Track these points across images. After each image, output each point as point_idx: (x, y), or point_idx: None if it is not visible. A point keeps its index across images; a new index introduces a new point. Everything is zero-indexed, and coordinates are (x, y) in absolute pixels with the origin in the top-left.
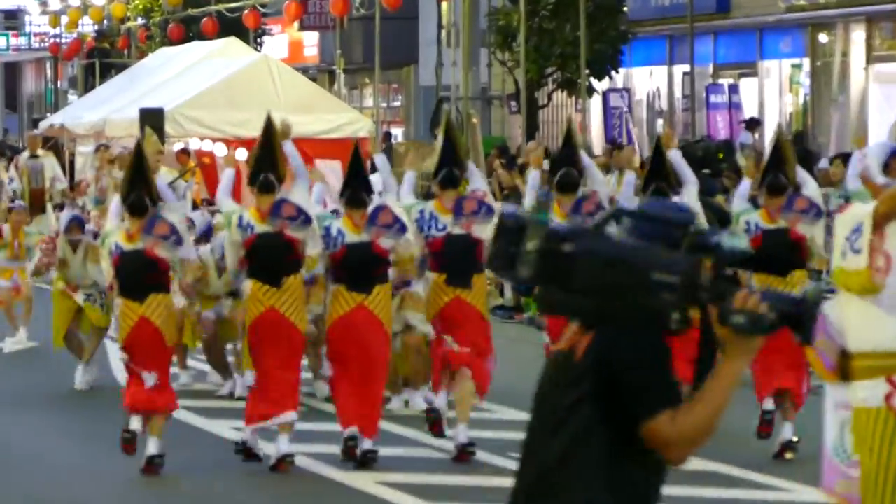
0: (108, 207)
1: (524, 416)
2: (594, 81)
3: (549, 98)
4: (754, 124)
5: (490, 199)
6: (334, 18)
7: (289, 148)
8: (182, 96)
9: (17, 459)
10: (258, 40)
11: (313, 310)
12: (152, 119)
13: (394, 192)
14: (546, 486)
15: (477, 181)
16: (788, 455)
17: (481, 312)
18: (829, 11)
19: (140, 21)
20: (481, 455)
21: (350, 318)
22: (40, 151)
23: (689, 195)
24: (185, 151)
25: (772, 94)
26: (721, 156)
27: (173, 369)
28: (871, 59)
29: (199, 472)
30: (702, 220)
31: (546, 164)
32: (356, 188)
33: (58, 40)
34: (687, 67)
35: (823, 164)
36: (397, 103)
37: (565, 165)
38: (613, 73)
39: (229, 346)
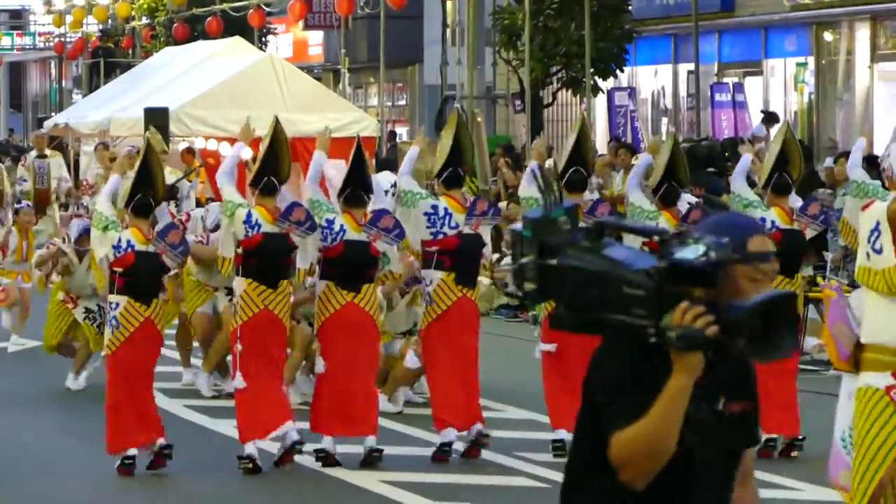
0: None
1: (528, 414)
2: (599, 80)
3: (554, 97)
4: (772, 119)
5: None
6: (339, 17)
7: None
8: (186, 96)
9: (20, 458)
10: (263, 39)
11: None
12: (157, 118)
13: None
14: (566, 486)
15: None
16: (794, 453)
17: (478, 313)
18: (833, 10)
19: (144, 20)
20: (487, 454)
21: (341, 315)
22: (47, 151)
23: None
24: (189, 151)
25: (777, 92)
26: (727, 154)
27: (178, 368)
28: (875, 58)
29: (203, 470)
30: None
31: (549, 163)
32: (357, 187)
33: (62, 40)
34: (692, 66)
35: (828, 162)
36: (402, 102)
37: (577, 164)
38: (618, 71)
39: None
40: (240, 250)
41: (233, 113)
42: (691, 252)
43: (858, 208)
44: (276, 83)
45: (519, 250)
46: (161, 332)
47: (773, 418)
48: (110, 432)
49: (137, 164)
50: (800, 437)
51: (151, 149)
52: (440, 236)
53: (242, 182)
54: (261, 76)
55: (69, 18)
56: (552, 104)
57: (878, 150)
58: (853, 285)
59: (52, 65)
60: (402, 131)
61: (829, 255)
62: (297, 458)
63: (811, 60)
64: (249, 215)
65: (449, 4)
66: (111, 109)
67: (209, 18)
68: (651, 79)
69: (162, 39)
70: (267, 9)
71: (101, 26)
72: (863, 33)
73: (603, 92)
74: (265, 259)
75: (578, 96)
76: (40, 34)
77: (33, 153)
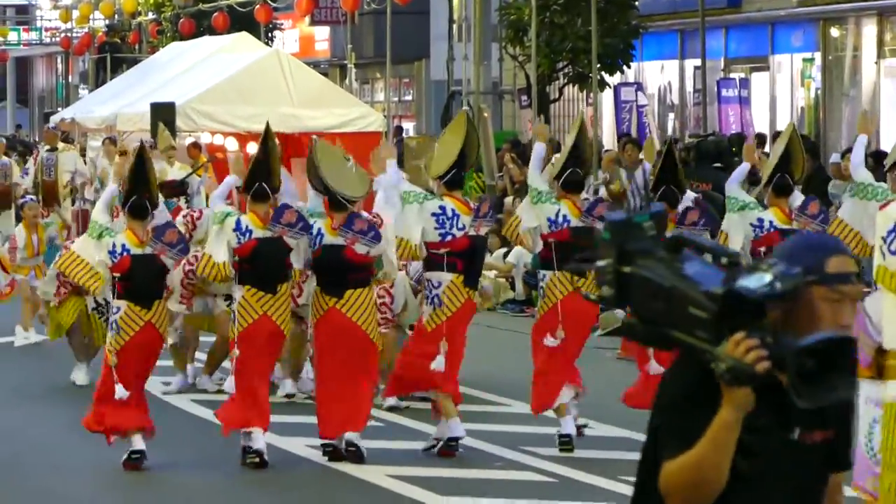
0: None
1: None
2: (605, 76)
3: (561, 92)
4: (761, 142)
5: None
6: (345, 13)
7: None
8: (193, 91)
9: (25, 452)
10: (269, 35)
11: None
12: (163, 113)
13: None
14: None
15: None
16: None
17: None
18: (840, 6)
19: (151, 16)
20: (493, 448)
21: (325, 320)
22: (61, 145)
23: None
24: (196, 146)
25: (783, 88)
26: (734, 150)
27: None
28: (882, 54)
29: (208, 465)
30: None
31: (554, 158)
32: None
33: (69, 35)
34: (698, 62)
35: (835, 158)
36: (408, 98)
37: (575, 164)
38: (625, 67)
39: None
40: (236, 258)
41: (239, 108)
42: (756, 280)
43: (861, 210)
44: (283, 78)
45: (596, 252)
46: (163, 335)
47: None
48: (96, 412)
49: (127, 165)
50: None
51: (145, 150)
52: (448, 238)
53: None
54: (267, 71)
55: (76, 14)
56: (559, 100)
57: (886, 146)
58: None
59: (59, 60)
60: (408, 127)
61: None
62: (303, 452)
63: (818, 56)
64: (239, 222)
65: (455, 0)
66: (118, 104)
67: (215, 14)
68: (657, 74)
69: (168, 35)
70: (273, 4)
71: (107, 21)
72: (870, 29)
73: (609, 87)
74: (260, 264)
75: (585, 92)
76: (47, 29)
77: (45, 147)
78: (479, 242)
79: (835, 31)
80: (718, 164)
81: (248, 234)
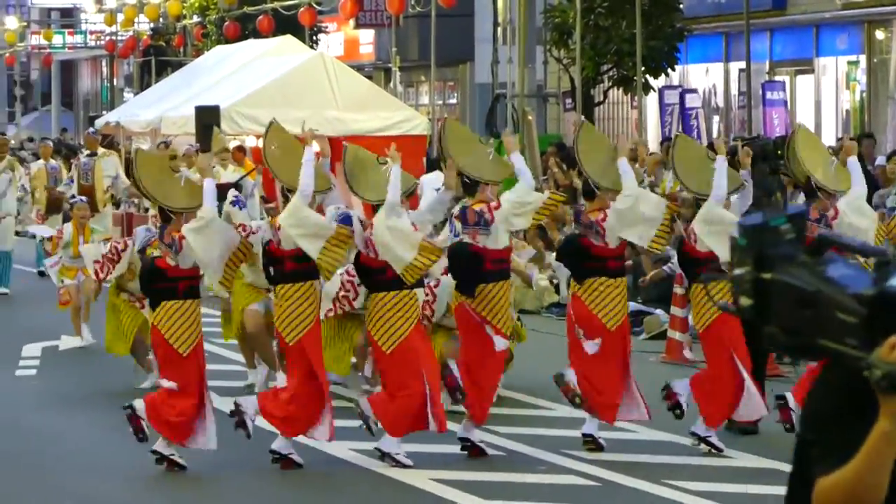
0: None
1: (579, 413)
2: (650, 78)
3: (605, 95)
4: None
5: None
6: (390, 16)
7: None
8: (238, 94)
9: (67, 456)
10: (314, 38)
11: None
12: (208, 117)
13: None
14: None
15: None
16: None
17: None
18: (885, 8)
19: (196, 19)
20: (537, 452)
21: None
22: (101, 150)
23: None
24: (240, 149)
25: (828, 91)
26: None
27: (233, 367)
28: None
29: (251, 467)
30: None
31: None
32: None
33: (113, 38)
34: (743, 64)
35: (880, 160)
36: (453, 101)
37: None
38: (669, 70)
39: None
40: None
41: (284, 111)
42: None
43: None
44: (328, 82)
45: (734, 259)
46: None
47: None
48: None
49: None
50: None
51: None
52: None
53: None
54: (312, 75)
55: (120, 17)
56: (603, 102)
57: None
58: None
59: (104, 63)
60: None
61: None
62: (347, 456)
63: (863, 59)
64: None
65: (500, 2)
66: (162, 108)
67: (260, 17)
68: (702, 77)
69: (213, 38)
70: (318, 7)
71: (152, 25)
72: None
73: (654, 90)
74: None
75: (629, 95)
76: (91, 32)
77: (86, 152)
78: (461, 250)
79: (879, 34)
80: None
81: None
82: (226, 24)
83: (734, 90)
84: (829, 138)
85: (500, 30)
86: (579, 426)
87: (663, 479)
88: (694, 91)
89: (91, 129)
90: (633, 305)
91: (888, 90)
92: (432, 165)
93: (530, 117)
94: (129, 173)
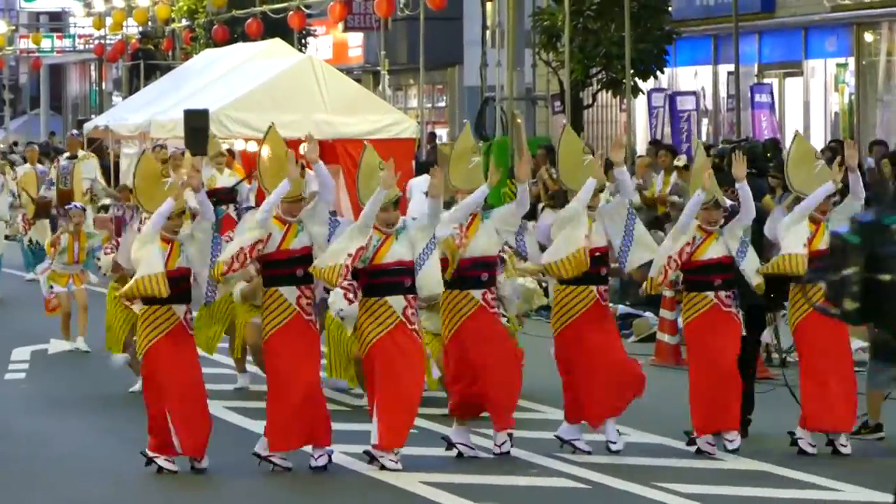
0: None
1: None
2: (639, 81)
3: (594, 98)
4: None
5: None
6: (379, 19)
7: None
8: (227, 97)
9: (59, 460)
10: (303, 41)
11: None
12: (197, 120)
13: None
14: None
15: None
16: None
17: None
18: (874, 10)
19: (184, 22)
20: (527, 455)
21: None
22: (81, 153)
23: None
24: (229, 153)
25: (817, 93)
26: (768, 155)
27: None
28: None
29: (244, 471)
30: None
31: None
32: None
33: (102, 42)
34: (732, 67)
35: (869, 163)
36: (442, 104)
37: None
38: (658, 72)
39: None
40: None
41: (273, 115)
42: None
43: None
44: (316, 85)
45: (840, 259)
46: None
47: (837, 420)
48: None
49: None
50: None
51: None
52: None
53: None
54: (300, 78)
55: (109, 21)
56: (592, 105)
57: None
58: None
59: (92, 67)
60: (442, 133)
61: None
62: (336, 458)
63: (852, 61)
64: None
65: (489, 6)
66: (151, 111)
67: (249, 20)
68: (691, 79)
69: (202, 41)
70: (307, 11)
71: (140, 28)
72: None
73: (643, 93)
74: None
75: (618, 97)
76: (80, 36)
77: (65, 155)
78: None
79: (868, 36)
80: (753, 170)
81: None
82: (214, 27)
83: (723, 93)
84: (818, 141)
85: (488, 33)
86: None
87: (653, 481)
88: (686, 94)
89: (74, 132)
90: (621, 308)
91: (877, 92)
92: (421, 169)
93: (519, 120)
94: (115, 176)
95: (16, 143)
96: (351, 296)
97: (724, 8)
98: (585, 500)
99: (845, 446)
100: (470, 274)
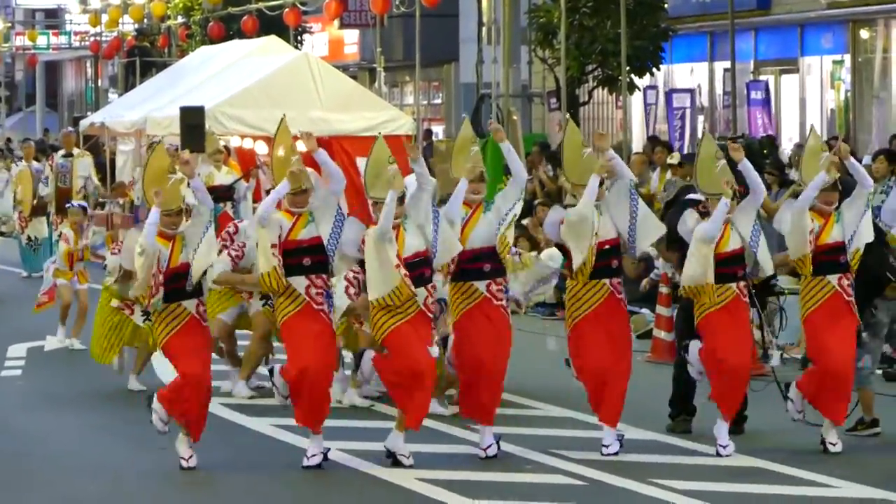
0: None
1: (565, 412)
2: (635, 78)
3: (590, 95)
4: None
5: None
6: (375, 16)
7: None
8: (222, 94)
9: (55, 457)
10: (298, 38)
11: None
12: (193, 117)
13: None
14: None
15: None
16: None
17: None
18: (870, 7)
19: (180, 19)
20: (523, 452)
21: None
22: (76, 150)
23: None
24: (226, 149)
25: (813, 90)
26: (765, 152)
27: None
28: None
29: (240, 468)
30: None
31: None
32: None
33: (98, 39)
34: (728, 64)
35: (866, 160)
36: (438, 101)
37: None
38: (654, 69)
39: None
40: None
41: (269, 112)
42: None
43: None
44: (312, 82)
45: None
46: None
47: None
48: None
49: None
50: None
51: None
52: None
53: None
54: (296, 75)
55: (105, 17)
56: (588, 102)
57: None
58: None
59: (88, 64)
60: (438, 130)
61: None
62: (335, 456)
63: (847, 58)
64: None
65: (484, 2)
66: (147, 108)
67: (245, 17)
68: (687, 76)
69: (197, 38)
70: (303, 7)
71: (136, 25)
72: None
73: (639, 90)
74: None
75: (614, 94)
76: (76, 33)
77: (61, 152)
78: None
79: (864, 33)
80: None
81: None
82: (210, 24)
83: (719, 90)
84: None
85: (484, 30)
86: (567, 426)
87: (650, 477)
88: (682, 91)
89: (70, 129)
90: None
91: (873, 89)
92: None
93: (515, 117)
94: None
95: (10, 140)
96: (352, 291)
97: (720, 5)
98: (582, 496)
99: (835, 444)
100: (471, 266)
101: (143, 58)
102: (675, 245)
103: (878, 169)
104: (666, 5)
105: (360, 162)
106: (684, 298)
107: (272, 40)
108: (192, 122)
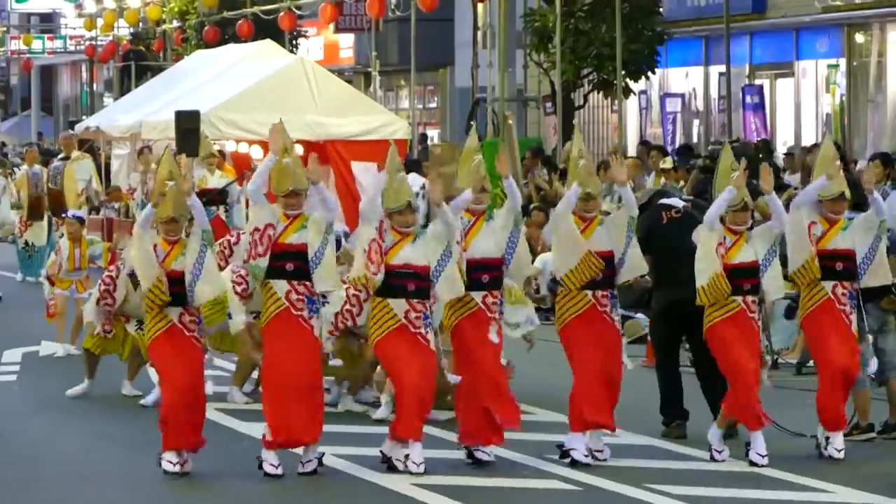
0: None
1: (560, 417)
2: (630, 82)
3: (585, 99)
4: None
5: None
6: (370, 20)
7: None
8: (218, 99)
9: (49, 463)
10: (294, 42)
11: None
12: (188, 121)
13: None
14: None
15: None
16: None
17: None
18: (865, 12)
19: (175, 24)
20: (519, 457)
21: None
22: (75, 153)
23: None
24: (220, 153)
25: (808, 94)
26: (761, 156)
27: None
28: None
29: (234, 474)
30: None
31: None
32: None
33: (93, 43)
34: (723, 68)
35: (862, 164)
36: (433, 105)
37: None
38: (650, 73)
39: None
40: None
41: (264, 116)
42: None
43: None
44: (307, 86)
45: None
46: None
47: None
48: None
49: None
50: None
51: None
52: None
53: None
54: (292, 79)
55: (100, 22)
56: (583, 106)
57: None
58: None
59: (83, 68)
60: (433, 134)
61: None
62: (328, 461)
63: (843, 62)
64: None
65: (480, 7)
66: (142, 112)
67: (240, 21)
68: (682, 80)
69: (193, 42)
70: (298, 12)
71: (131, 29)
72: (894, 35)
73: (634, 94)
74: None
75: (610, 98)
76: (71, 37)
77: (60, 156)
78: None
79: (859, 37)
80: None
81: None
82: (205, 28)
83: (714, 94)
84: (809, 142)
85: (479, 34)
86: (562, 431)
87: (644, 483)
88: (673, 95)
89: (70, 131)
90: None
91: (868, 93)
92: (410, 168)
93: (510, 121)
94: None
95: (4, 144)
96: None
97: (716, 9)
98: (576, 501)
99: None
100: (471, 277)
101: (139, 62)
102: (649, 250)
103: (874, 173)
104: (661, 9)
105: (355, 166)
106: (658, 307)
107: (268, 44)
108: (188, 127)
